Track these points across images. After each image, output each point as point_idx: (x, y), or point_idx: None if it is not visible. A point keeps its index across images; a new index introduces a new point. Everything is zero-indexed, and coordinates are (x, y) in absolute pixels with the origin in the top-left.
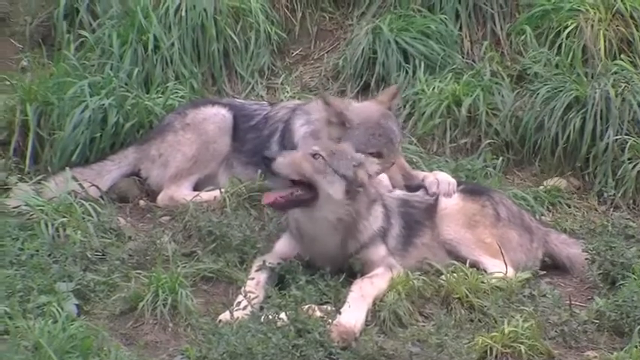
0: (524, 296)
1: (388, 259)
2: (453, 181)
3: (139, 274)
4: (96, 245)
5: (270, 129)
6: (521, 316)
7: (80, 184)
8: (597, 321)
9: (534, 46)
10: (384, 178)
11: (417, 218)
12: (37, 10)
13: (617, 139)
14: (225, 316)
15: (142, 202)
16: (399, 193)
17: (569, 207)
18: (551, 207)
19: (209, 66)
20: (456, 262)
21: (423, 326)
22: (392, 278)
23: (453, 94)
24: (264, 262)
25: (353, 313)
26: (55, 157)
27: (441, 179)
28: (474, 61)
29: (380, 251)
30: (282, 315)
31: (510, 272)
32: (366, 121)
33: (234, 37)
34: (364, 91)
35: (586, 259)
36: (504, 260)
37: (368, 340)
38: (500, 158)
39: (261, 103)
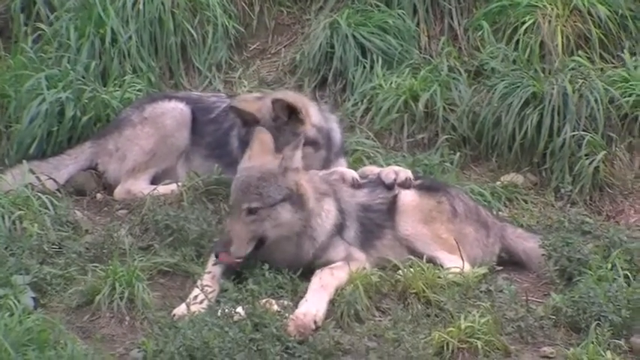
0: (481, 292)
1: (349, 252)
2: (410, 173)
3: (96, 267)
4: (53, 238)
5: (230, 122)
6: (477, 312)
7: (37, 177)
8: (554, 317)
9: (492, 41)
10: (348, 173)
11: (378, 221)
12: None
13: (574, 135)
14: (179, 310)
15: (99, 196)
16: (361, 198)
17: (526, 203)
18: (508, 203)
19: (166, 60)
20: (412, 258)
21: (380, 321)
22: (352, 270)
23: (411, 89)
24: None
25: (312, 305)
26: (12, 150)
27: (397, 170)
28: (431, 56)
29: (340, 252)
30: (239, 309)
31: (467, 267)
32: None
33: (192, 31)
34: (322, 86)
35: (543, 254)
36: (461, 255)
37: (325, 335)
38: (458, 154)
39: (219, 95)
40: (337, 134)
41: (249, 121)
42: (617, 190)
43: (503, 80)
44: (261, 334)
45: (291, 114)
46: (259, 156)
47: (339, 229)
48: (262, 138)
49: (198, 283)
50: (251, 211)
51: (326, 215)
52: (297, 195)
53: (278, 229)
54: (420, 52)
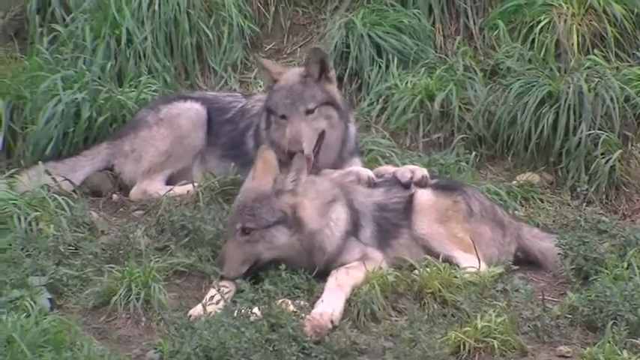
0: (497, 291)
1: (364, 253)
2: (426, 171)
3: (112, 268)
4: (69, 239)
5: (246, 122)
6: (494, 311)
7: (53, 178)
8: (570, 316)
9: (507, 40)
10: (363, 172)
11: (394, 221)
12: (9, 4)
13: (589, 134)
14: (195, 310)
15: (115, 197)
16: (377, 198)
17: (542, 202)
18: (524, 202)
19: (182, 60)
20: (429, 257)
21: (396, 321)
22: (369, 269)
23: (426, 88)
24: None
25: (328, 305)
26: (28, 151)
27: (413, 169)
28: (446, 55)
29: (355, 254)
30: (256, 309)
31: (483, 267)
32: (283, 85)
33: (207, 31)
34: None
35: (559, 254)
36: (477, 255)
37: (341, 335)
38: (473, 153)
39: (235, 95)
40: (352, 132)
41: (268, 81)
42: (633, 188)
43: (518, 79)
44: (277, 335)
45: (321, 72)
46: (262, 176)
47: (354, 231)
48: (266, 157)
49: (215, 283)
50: (244, 232)
51: (335, 224)
52: (294, 218)
53: (273, 251)
54: (436, 52)
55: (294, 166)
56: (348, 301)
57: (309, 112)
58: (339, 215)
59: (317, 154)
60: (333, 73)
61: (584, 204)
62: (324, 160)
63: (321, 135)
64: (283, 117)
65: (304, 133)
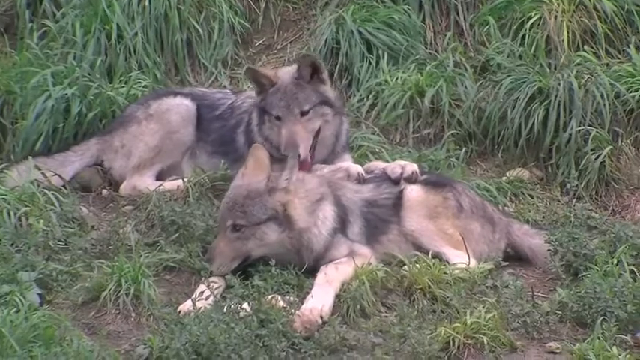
0: (487, 287)
1: (352, 249)
2: (416, 167)
3: (102, 263)
4: (58, 234)
5: (236, 119)
6: (483, 307)
7: (43, 174)
8: (560, 312)
9: (497, 37)
10: (353, 169)
11: (384, 217)
12: None
13: (580, 130)
14: (185, 306)
15: (104, 192)
16: (366, 194)
17: (532, 198)
18: (514, 198)
19: (172, 56)
20: (418, 253)
21: (386, 317)
22: (358, 264)
23: (416, 84)
24: None
25: (317, 300)
26: (18, 147)
27: (403, 164)
28: (437, 51)
29: (342, 250)
30: (245, 305)
31: (473, 263)
32: (278, 87)
33: (198, 27)
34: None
35: (548, 250)
36: (467, 251)
37: (330, 331)
38: (464, 149)
39: (224, 92)
40: (346, 128)
41: (264, 85)
42: (623, 185)
43: (509, 75)
44: (267, 330)
45: (313, 74)
46: (252, 174)
47: (342, 228)
48: (258, 155)
49: (204, 279)
50: (235, 228)
51: (322, 222)
52: (284, 216)
53: (263, 248)
54: (426, 48)
55: (289, 164)
56: (338, 297)
57: (303, 113)
58: (327, 214)
59: (313, 151)
60: (326, 75)
61: (574, 200)
62: (317, 155)
63: (317, 132)
64: (278, 118)
65: (300, 135)
